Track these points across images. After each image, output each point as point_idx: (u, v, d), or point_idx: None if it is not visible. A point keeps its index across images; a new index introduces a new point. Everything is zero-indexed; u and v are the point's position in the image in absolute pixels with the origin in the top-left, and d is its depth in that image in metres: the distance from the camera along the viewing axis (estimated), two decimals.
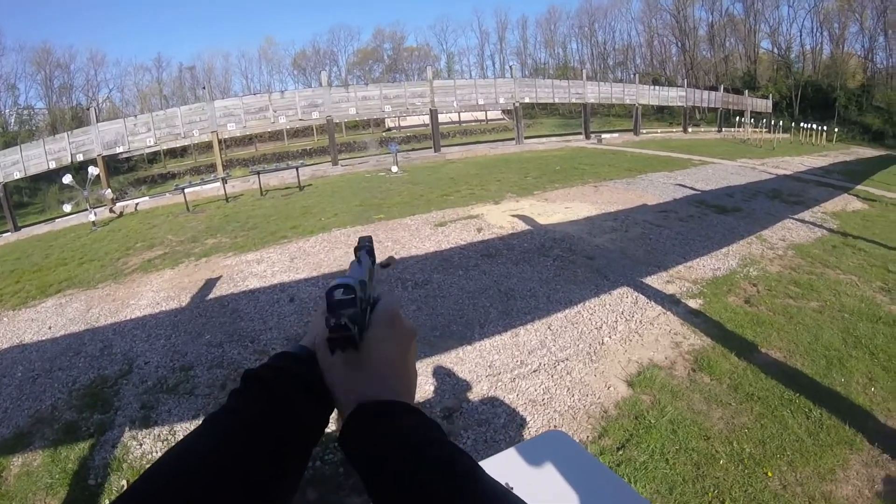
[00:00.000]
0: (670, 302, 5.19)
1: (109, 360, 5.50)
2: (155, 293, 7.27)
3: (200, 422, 0.53)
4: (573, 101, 25.43)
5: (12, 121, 44.40)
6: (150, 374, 5.04)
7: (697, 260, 6.41)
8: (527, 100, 22.96)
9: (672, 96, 30.18)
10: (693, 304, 5.13)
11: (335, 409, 0.58)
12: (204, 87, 23.52)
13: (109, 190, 17.38)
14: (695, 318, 4.81)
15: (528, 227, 7.67)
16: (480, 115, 38.45)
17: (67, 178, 15.46)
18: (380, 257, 7.25)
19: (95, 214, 14.79)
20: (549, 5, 59.72)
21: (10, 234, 18.37)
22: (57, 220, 18.77)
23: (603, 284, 5.50)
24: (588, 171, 13.08)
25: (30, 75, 46.90)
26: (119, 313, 6.75)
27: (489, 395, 3.69)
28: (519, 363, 4.03)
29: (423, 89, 20.57)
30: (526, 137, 22.76)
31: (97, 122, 19.32)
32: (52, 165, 18.71)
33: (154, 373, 5.03)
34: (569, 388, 3.73)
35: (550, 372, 3.90)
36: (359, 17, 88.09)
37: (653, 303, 5.12)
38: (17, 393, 5.31)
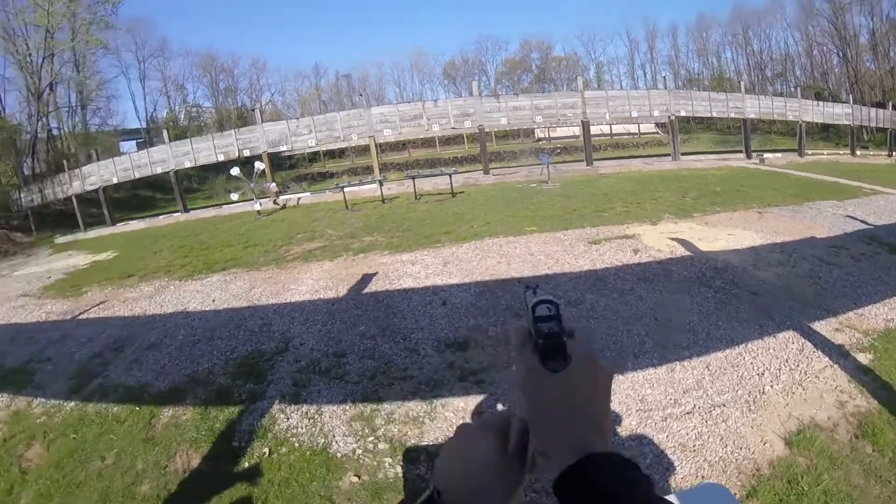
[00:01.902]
0: (838, 354, 4.64)
1: (267, 337, 5.95)
2: (314, 281, 7.77)
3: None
4: (732, 115, 23.58)
5: (182, 116, 49.91)
6: (304, 354, 5.37)
7: (870, 307, 5.65)
8: (682, 113, 21.68)
9: (837, 113, 26.91)
10: (863, 358, 4.55)
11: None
12: (361, 95, 25.20)
13: (274, 184, 19.16)
14: (863, 376, 4.26)
15: (687, 253, 7.21)
16: (632, 128, 36.93)
17: (235, 171, 17.23)
18: (534, 266, 7.14)
19: (261, 205, 16.33)
20: (699, 12, 55.72)
21: (179, 214, 21.09)
22: (223, 206, 20.96)
23: (767, 325, 5.04)
24: (751, 195, 11.99)
25: (196, 77, 52.46)
26: (279, 296, 7.31)
27: (637, 431, 3.56)
28: (672, 402, 3.82)
29: (574, 100, 20.19)
30: (681, 153, 21.58)
31: (262, 122, 21.26)
32: (220, 158, 21.15)
33: (308, 354, 5.35)
34: (722, 438, 3.48)
35: (705, 416, 3.66)
36: (504, 27, 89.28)
37: (820, 353, 4.63)
38: (177, 353, 5.91)
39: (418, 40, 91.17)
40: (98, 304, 8.65)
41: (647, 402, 3.81)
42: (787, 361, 4.34)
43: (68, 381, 5.71)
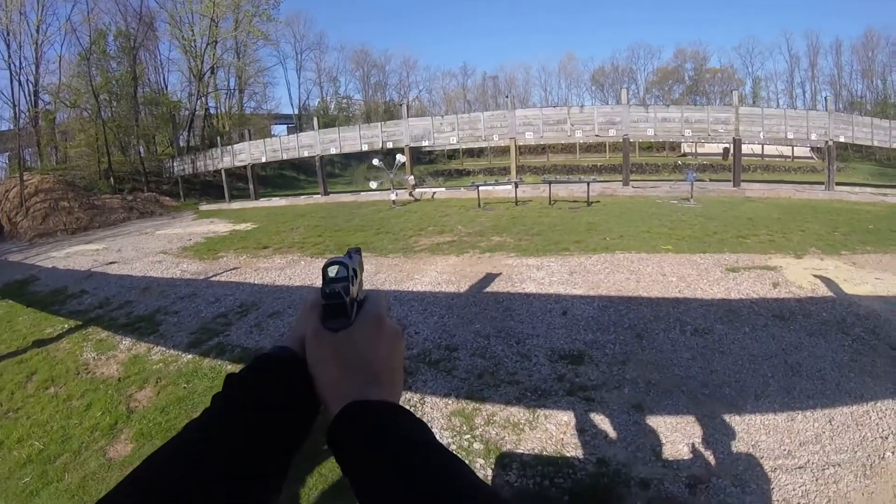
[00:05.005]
0: None
1: None
2: (438, 274, 8.04)
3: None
4: (895, 146, 21.01)
5: (332, 106, 53.94)
6: (417, 343, 5.53)
7: None
8: (842, 139, 19.29)
9: None
10: None
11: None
12: (507, 97, 25.69)
13: (412, 176, 20.15)
14: None
15: (830, 294, 6.50)
16: (785, 150, 33.77)
17: (377, 161, 18.43)
18: (664, 287, 6.85)
19: (397, 195, 17.31)
20: (867, 28, 48.89)
21: (319, 196, 22.95)
22: (361, 193, 22.25)
23: None
24: None
25: (349, 71, 56.83)
26: (402, 283, 7.65)
27: (743, 477, 3.32)
28: (786, 453, 3.52)
29: (728, 115, 18.90)
30: (836, 183, 19.49)
31: (407, 117, 22.31)
32: (364, 148, 22.77)
33: (421, 344, 5.51)
34: (830, 500, 3.17)
35: (816, 474, 3.34)
36: (660, 36, 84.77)
37: None
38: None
39: (569, 45, 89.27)
40: (231, 269, 9.57)
41: (758, 448, 3.56)
42: None
43: (190, 334, 6.28)
